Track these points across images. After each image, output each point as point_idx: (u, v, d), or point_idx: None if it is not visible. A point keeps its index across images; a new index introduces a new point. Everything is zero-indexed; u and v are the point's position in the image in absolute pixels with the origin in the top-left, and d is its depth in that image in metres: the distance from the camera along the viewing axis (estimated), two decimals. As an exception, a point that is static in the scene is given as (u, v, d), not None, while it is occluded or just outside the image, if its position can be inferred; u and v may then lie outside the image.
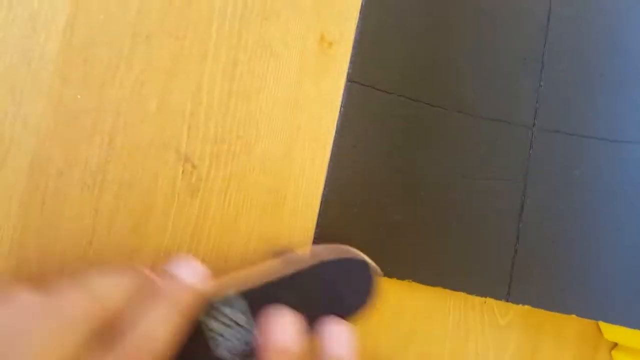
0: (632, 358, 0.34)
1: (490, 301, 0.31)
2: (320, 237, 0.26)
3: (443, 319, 0.30)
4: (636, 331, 0.33)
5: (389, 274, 0.27)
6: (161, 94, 0.22)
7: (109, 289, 0.17)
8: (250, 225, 0.25)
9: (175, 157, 0.22)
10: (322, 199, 0.26)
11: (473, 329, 0.31)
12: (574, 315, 0.34)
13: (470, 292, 0.28)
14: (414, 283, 0.28)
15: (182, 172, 0.23)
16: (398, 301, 0.29)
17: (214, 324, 0.20)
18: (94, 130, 0.21)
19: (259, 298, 0.20)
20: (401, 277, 0.27)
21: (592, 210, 0.26)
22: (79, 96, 0.20)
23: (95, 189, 0.22)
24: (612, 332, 0.34)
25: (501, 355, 0.32)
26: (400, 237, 0.27)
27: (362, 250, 0.26)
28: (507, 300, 0.27)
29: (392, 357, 0.28)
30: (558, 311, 0.26)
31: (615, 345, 0.35)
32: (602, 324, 0.34)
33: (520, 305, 0.33)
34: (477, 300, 0.31)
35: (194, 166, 0.23)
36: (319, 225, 0.27)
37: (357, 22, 0.27)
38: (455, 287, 0.28)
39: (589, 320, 0.35)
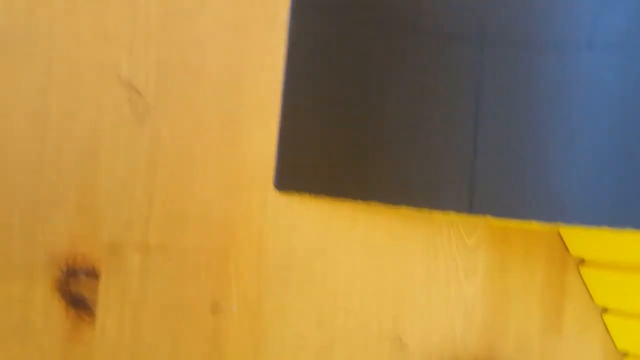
0: (597, 271, 0.35)
1: (456, 222, 0.32)
2: (281, 162, 0.26)
3: (411, 243, 0.30)
4: (598, 244, 0.34)
5: (354, 196, 0.27)
6: (95, 15, 0.21)
7: None
8: (206, 154, 0.25)
9: (118, 83, 0.22)
10: (280, 124, 0.26)
11: (441, 250, 0.31)
12: (541, 235, 0.35)
13: (433, 208, 0.28)
14: (381, 207, 0.28)
15: (129, 99, 0.22)
16: (368, 226, 0.29)
17: None
18: (28, 57, 0.21)
19: None
20: (365, 199, 0.27)
21: (546, 115, 0.26)
22: (4, 21, 0.20)
23: (38, 120, 0.21)
24: (577, 247, 0.35)
25: (471, 275, 0.32)
26: (361, 160, 0.27)
27: (325, 173, 0.26)
28: (470, 212, 0.28)
29: (368, 275, 0.28)
30: (520, 218, 0.27)
31: (582, 261, 0.36)
32: (567, 241, 0.35)
33: (486, 226, 0.33)
34: (443, 223, 0.31)
35: (139, 93, 0.22)
36: (279, 151, 0.26)
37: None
38: (418, 204, 0.28)
39: (556, 240, 0.36)
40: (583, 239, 0.34)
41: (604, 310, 0.37)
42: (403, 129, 0.27)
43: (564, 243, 0.35)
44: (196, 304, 0.25)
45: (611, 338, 0.38)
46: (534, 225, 0.29)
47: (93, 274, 0.24)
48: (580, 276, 0.36)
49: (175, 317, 0.24)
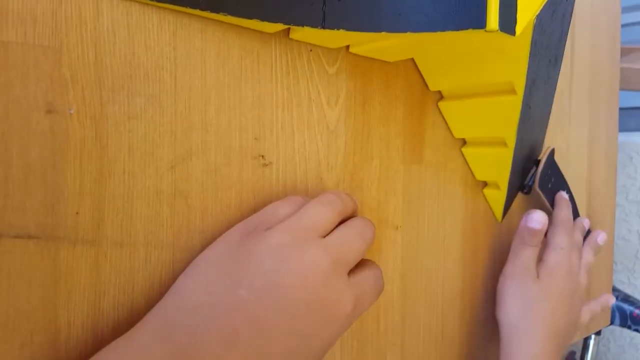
0: (455, 103, 0.38)
1: (316, 50, 0.32)
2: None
3: (270, 66, 0.30)
4: (453, 74, 0.36)
5: (202, 7, 0.27)
6: None
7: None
8: None
9: None
10: None
11: (302, 75, 0.32)
12: (400, 70, 0.37)
13: (287, 23, 0.28)
14: (233, 21, 0.28)
15: None
16: (221, 42, 0.28)
17: None
18: None
19: None
20: (216, 10, 0.27)
21: None
22: None
23: None
24: (435, 83, 0.37)
25: (333, 102, 0.33)
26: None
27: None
28: (324, 27, 0.28)
29: (224, 92, 0.28)
30: (371, 30, 0.28)
31: (440, 97, 0.39)
32: (426, 76, 0.37)
33: (346, 57, 0.34)
34: (302, 47, 0.32)
35: None
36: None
37: None
38: (272, 19, 0.28)
39: (415, 76, 0.38)
40: (439, 72, 0.36)
41: (463, 143, 0.41)
42: None
43: (423, 80, 0.38)
44: (27, 104, 0.23)
45: (470, 170, 0.41)
46: (379, 43, 0.31)
47: None
48: (440, 111, 0.39)
49: (3, 115, 0.23)
